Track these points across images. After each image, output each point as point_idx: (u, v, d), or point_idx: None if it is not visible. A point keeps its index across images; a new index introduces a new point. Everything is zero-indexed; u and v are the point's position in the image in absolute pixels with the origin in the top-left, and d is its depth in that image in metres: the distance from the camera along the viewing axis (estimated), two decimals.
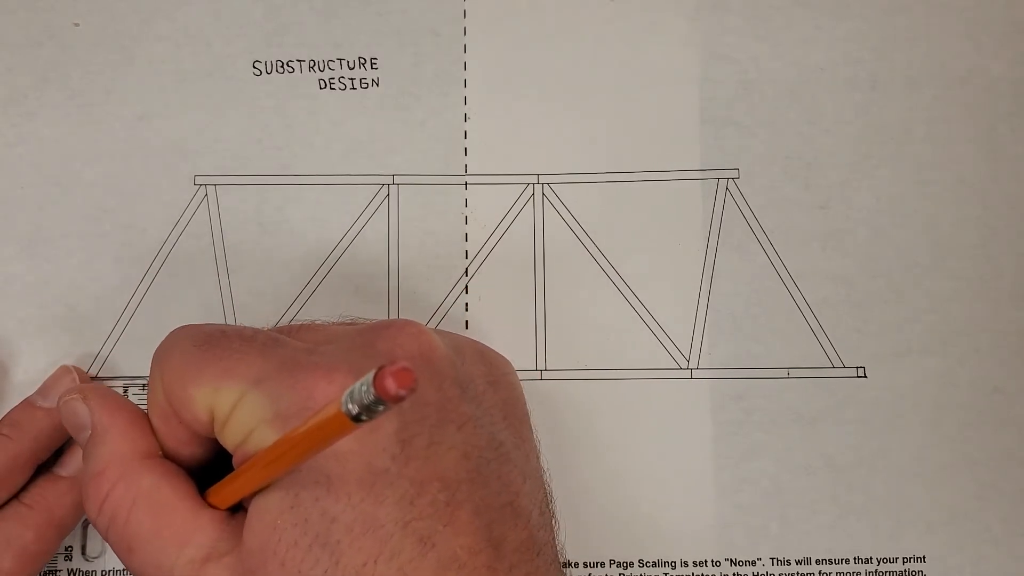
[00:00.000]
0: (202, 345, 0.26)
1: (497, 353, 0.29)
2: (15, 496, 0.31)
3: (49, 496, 0.31)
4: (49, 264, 0.34)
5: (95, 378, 0.34)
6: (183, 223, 0.35)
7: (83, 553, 0.33)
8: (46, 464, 0.32)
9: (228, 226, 0.35)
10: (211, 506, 0.26)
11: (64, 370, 0.33)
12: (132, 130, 0.35)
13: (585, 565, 0.33)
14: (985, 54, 0.36)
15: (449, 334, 0.29)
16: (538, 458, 0.28)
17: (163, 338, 0.27)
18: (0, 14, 0.36)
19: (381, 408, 0.18)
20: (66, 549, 0.33)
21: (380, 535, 0.23)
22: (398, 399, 0.18)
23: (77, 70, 0.35)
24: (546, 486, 0.28)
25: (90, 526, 0.33)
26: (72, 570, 0.33)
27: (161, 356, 0.27)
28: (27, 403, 0.32)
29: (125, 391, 0.34)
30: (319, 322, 0.30)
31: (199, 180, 0.35)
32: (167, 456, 0.27)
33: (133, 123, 0.35)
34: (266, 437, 0.23)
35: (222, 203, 0.35)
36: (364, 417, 0.19)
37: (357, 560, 0.22)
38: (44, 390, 0.32)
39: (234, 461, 0.25)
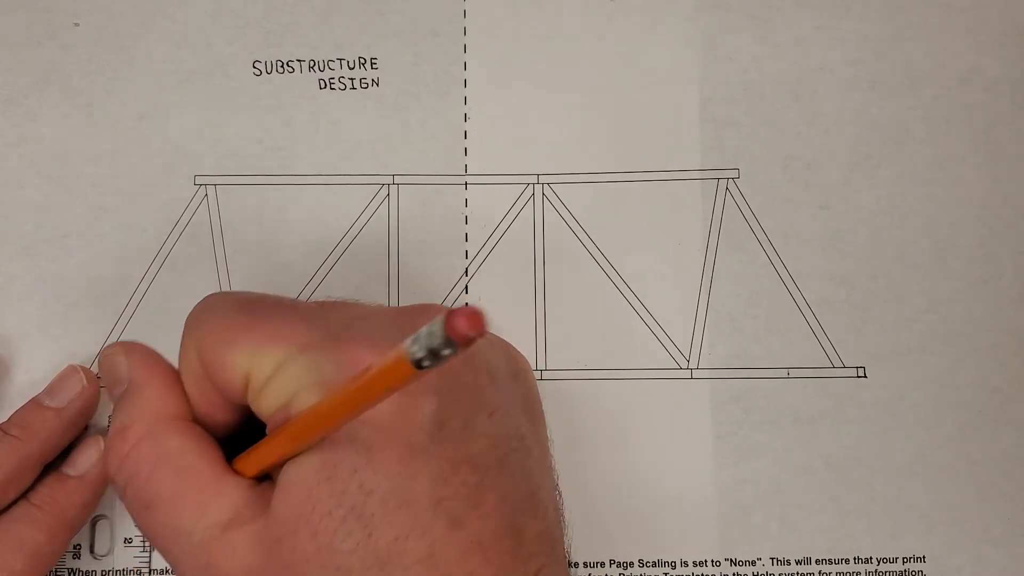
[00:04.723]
0: (243, 309, 0.25)
1: (517, 350, 0.29)
2: (24, 496, 0.31)
3: (59, 496, 0.31)
4: (49, 264, 0.34)
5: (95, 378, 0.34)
6: (183, 223, 0.35)
7: (91, 551, 0.33)
8: (53, 464, 0.32)
9: (228, 226, 0.35)
10: (237, 473, 0.25)
11: (71, 369, 0.33)
12: (132, 130, 0.35)
13: (585, 565, 0.33)
14: (985, 54, 0.36)
15: None
16: (551, 457, 0.28)
17: (193, 307, 0.27)
18: (0, 14, 0.36)
19: (447, 352, 0.18)
20: (75, 547, 0.33)
21: (414, 511, 0.23)
22: (469, 341, 0.17)
23: (77, 70, 0.35)
24: (557, 485, 0.28)
25: (99, 524, 0.33)
26: (72, 570, 0.33)
27: (198, 318, 0.26)
28: (35, 403, 0.32)
29: None
30: (350, 301, 0.29)
31: (199, 180, 0.35)
32: (197, 421, 0.27)
33: (133, 123, 0.35)
34: (307, 402, 0.23)
35: (222, 203, 0.35)
36: (427, 363, 0.18)
37: (389, 534, 0.22)
38: (51, 390, 0.32)
39: (268, 428, 0.25)
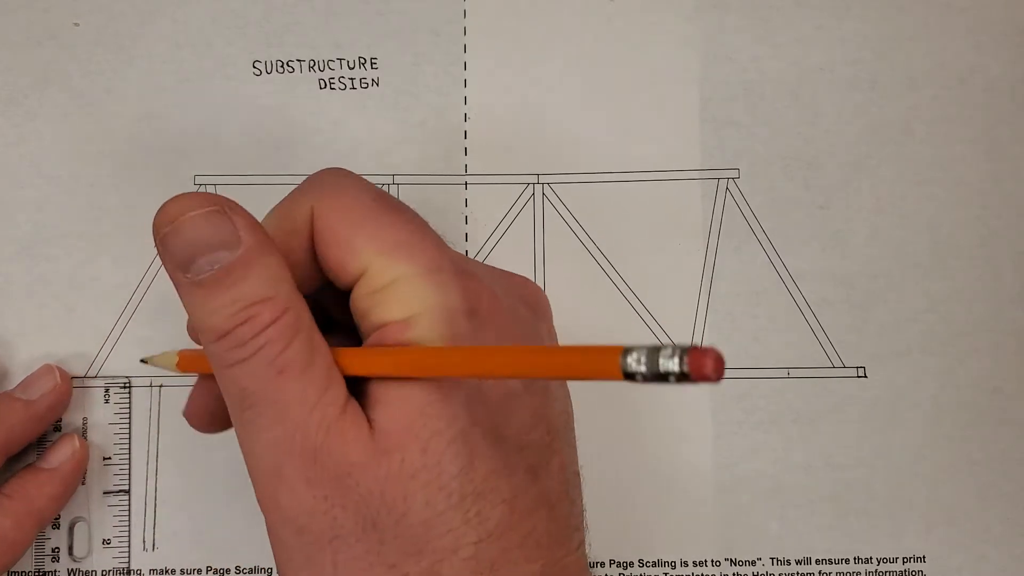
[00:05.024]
0: (381, 203, 0.24)
1: None
2: None
3: (29, 487, 0.32)
4: (48, 264, 0.34)
5: (95, 378, 0.34)
6: None
7: (70, 553, 0.33)
8: (22, 458, 0.33)
9: None
10: None
11: (47, 367, 0.33)
12: (132, 130, 0.35)
13: None
14: (985, 54, 0.36)
15: None
16: None
17: (318, 172, 0.25)
18: (0, 14, 0.36)
19: (672, 380, 0.18)
20: (53, 550, 0.33)
21: (504, 451, 0.23)
22: (705, 381, 0.17)
23: (77, 70, 0.35)
24: None
25: (77, 526, 0.33)
26: (72, 570, 0.33)
27: (328, 185, 0.25)
28: (6, 395, 0.33)
29: (107, 391, 0.34)
30: None
31: (199, 180, 0.35)
32: None
33: (133, 123, 0.35)
34: (432, 324, 0.23)
35: None
36: (640, 379, 0.18)
37: (487, 467, 0.23)
38: (25, 385, 0.33)
39: (374, 335, 0.24)
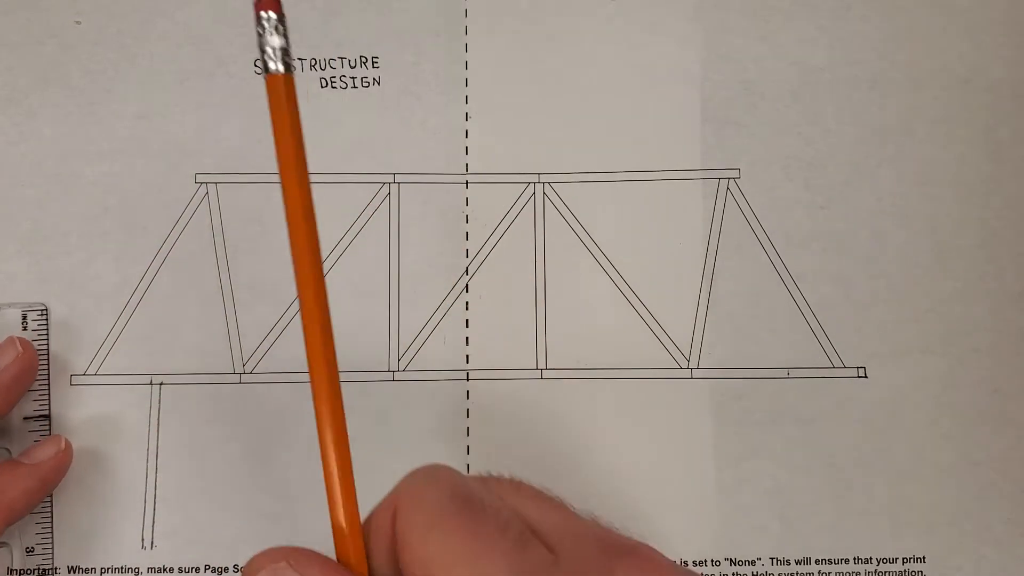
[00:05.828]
0: (456, 503, 0.23)
1: None
2: None
3: (5, 480, 0.32)
4: (49, 263, 0.34)
5: (95, 376, 0.34)
6: (184, 222, 0.35)
7: None
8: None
9: (229, 225, 0.35)
10: None
11: (8, 340, 0.33)
12: (133, 129, 0.35)
13: None
14: (986, 55, 0.36)
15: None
16: None
17: (417, 470, 0.25)
18: (0, 14, 0.36)
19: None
20: None
21: None
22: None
23: (78, 69, 0.35)
24: None
25: None
26: (72, 567, 0.33)
27: (412, 484, 0.24)
28: None
29: (24, 316, 0.34)
30: (556, 500, 0.26)
31: (200, 179, 0.35)
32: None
33: (134, 122, 0.35)
34: None
35: (223, 202, 0.35)
36: None
37: None
38: None
39: None
